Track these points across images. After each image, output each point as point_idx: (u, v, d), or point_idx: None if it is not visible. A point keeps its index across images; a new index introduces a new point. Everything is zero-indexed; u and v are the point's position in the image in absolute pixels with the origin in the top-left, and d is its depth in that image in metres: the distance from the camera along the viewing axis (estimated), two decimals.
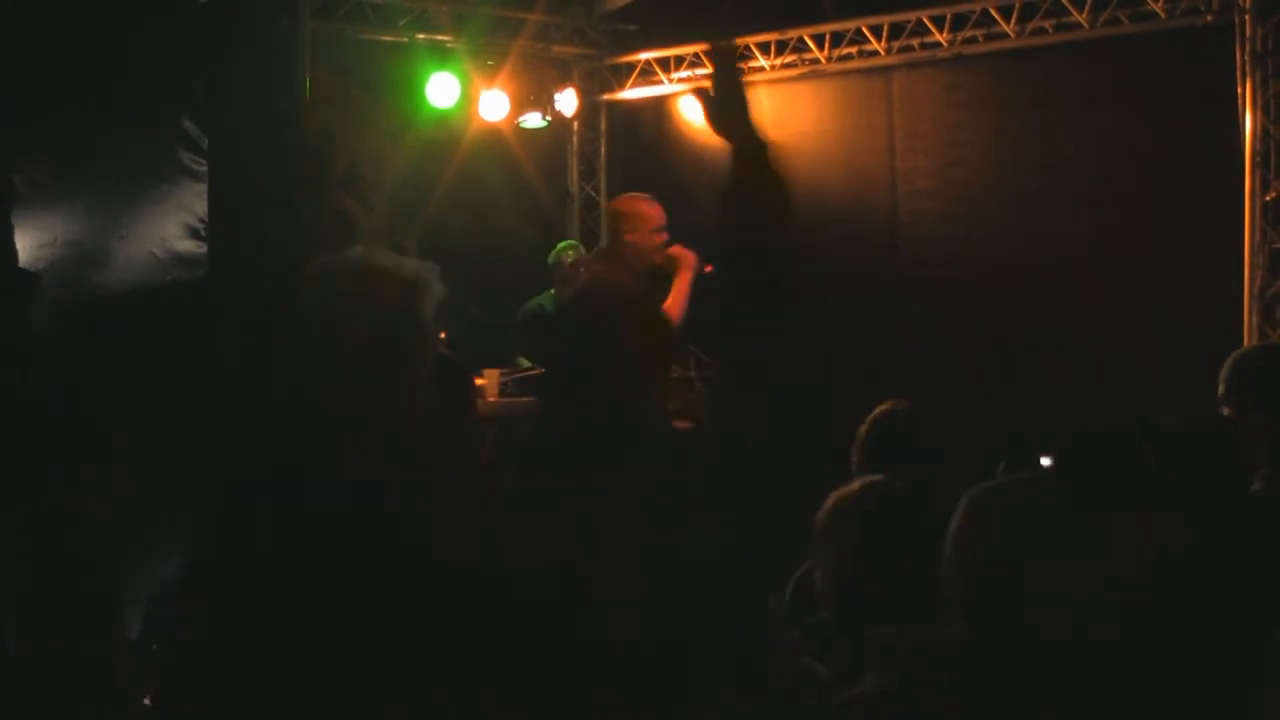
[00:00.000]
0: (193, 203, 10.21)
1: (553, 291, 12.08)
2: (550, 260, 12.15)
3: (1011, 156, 11.62)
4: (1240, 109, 10.28)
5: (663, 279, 9.24)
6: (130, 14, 9.73)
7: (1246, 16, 10.20)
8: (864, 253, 12.39)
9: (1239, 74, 10.28)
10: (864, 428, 5.62)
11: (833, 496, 4.50)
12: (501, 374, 10.89)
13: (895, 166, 12.25)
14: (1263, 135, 10.24)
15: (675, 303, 9.04)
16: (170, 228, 10.15)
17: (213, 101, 10.39)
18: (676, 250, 9.33)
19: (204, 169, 10.36)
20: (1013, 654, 3.29)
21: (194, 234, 10.27)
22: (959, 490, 4.11)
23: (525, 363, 11.40)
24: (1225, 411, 4.95)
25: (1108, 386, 9.93)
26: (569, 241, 12.61)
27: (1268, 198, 10.24)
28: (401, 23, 12.43)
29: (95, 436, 5.66)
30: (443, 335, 10.73)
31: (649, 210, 9.56)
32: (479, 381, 10.79)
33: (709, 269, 8.88)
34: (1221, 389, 5.21)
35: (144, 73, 9.96)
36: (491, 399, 10.76)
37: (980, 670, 3.30)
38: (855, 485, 4.50)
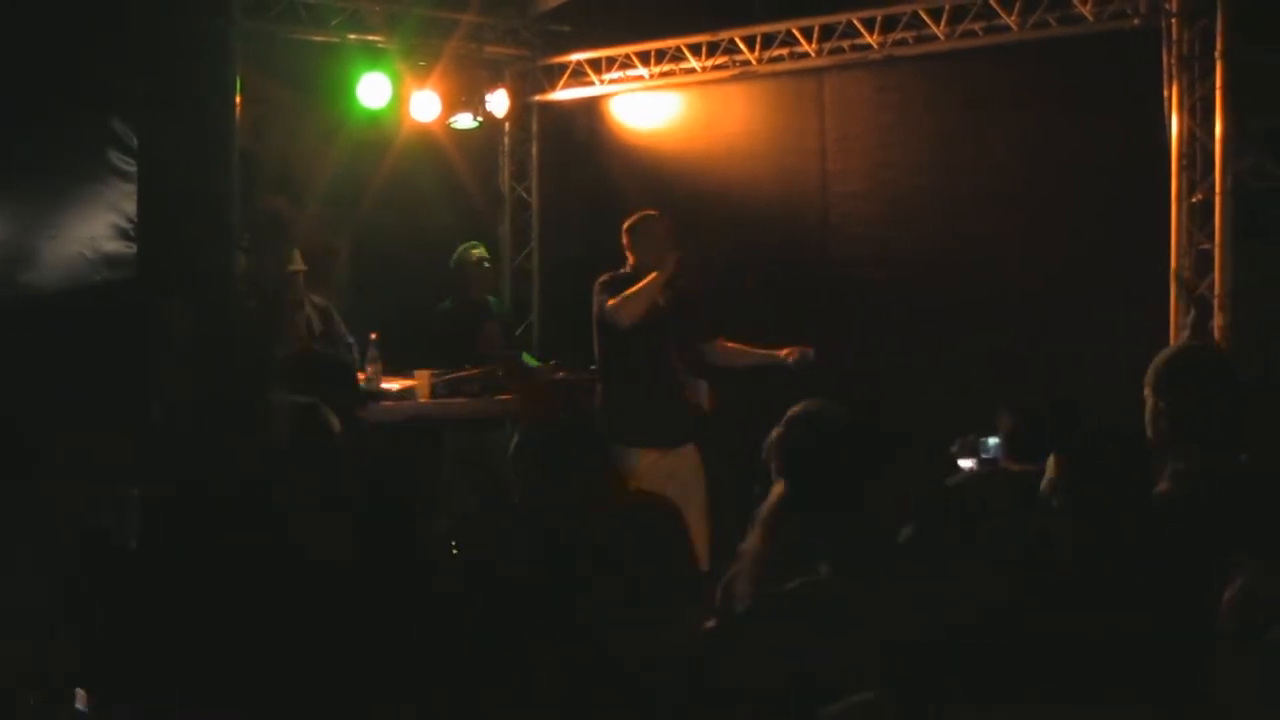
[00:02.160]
0: (122, 203, 10.13)
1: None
2: (452, 263, 12.07)
3: (942, 158, 11.69)
4: (1166, 112, 10.38)
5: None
6: (59, 11, 9.67)
7: (1173, 20, 10.30)
8: (795, 254, 12.44)
9: (1165, 77, 10.38)
10: (779, 430, 5.62)
11: None
12: (433, 375, 10.87)
13: (826, 168, 12.30)
14: (1189, 138, 10.34)
15: (624, 297, 9.63)
16: (99, 228, 10.07)
17: (143, 101, 10.33)
18: (664, 255, 9.82)
19: (133, 169, 10.30)
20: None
21: (123, 235, 10.20)
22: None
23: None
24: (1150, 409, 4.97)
25: (1037, 386, 9.99)
26: (471, 242, 12.56)
27: (1194, 199, 10.33)
28: (333, 23, 12.38)
29: None
30: (373, 336, 10.77)
31: (665, 229, 10.12)
32: (410, 383, 10.77)
33: None
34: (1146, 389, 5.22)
35: (73, 71, 9.90)
36: (423, 400, 10.74)
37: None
38: None
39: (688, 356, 10.10)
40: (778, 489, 4.66)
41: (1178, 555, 4.29)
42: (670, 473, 9.50)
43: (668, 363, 9.90)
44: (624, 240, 9.99)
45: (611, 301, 9.58)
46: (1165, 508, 4.55)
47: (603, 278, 9.85)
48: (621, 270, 9.87)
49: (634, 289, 9.57)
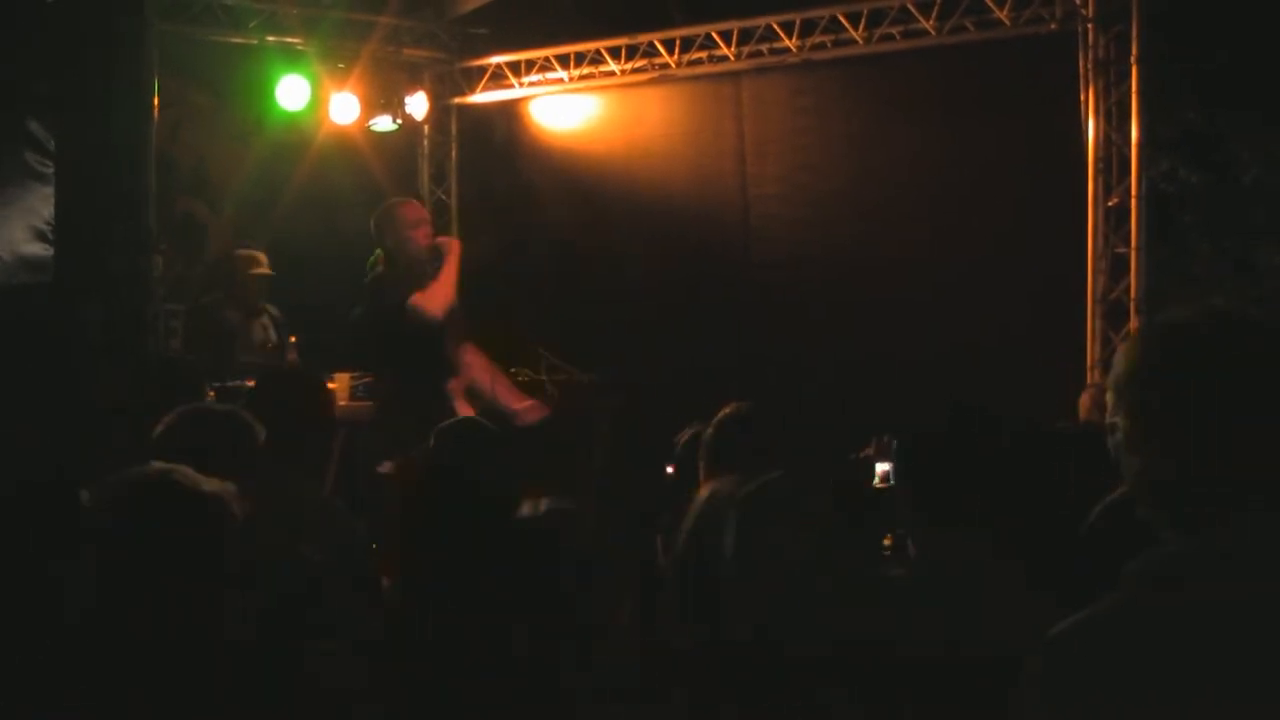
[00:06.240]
0: (39, 206, 10.07)
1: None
2: (369, 267, 12.08)
3: (859, 160, 11.74)
4: (1083, 116, 10.47)
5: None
6: None
7: (1089, 26, 10.41)
8: (715, 255, 12.46)
9: (1082, 82, 10.48)
10: (710, 430, 5.63)
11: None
12: (352, 378, 10.83)
13: (746, 170, 12.33)
14: (1105, 142, 10.44)
15: (435, 293, 8.91)
16: (16, 231, 10.01)
17: (59, 103, 10.26)
18: (441, 240, 9.29)
19: (50, 171, 10.23)
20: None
21: (40, 237, 10.14)
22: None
23: None
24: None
25: (954, 388, 10.04)
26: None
27: (1110, 203, 10.44)
28: (251, 24, 12.31)
29: None
30: (293, 339, 10.73)
31: (402, 212, 9.30)
32: (330, 386, 10.73)
33: None
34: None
35: None
36: (341, 403, 10.70)
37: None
38: None
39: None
40: (707, 489, 4.68)
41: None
42: None
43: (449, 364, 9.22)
44: (374, 231, 9.20)
45: (416, 298, 8.83)
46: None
47: (380, 278, 9.11)
48: (378, 270, 9.15)
49: (439, 281, 8.93)
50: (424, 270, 9.05)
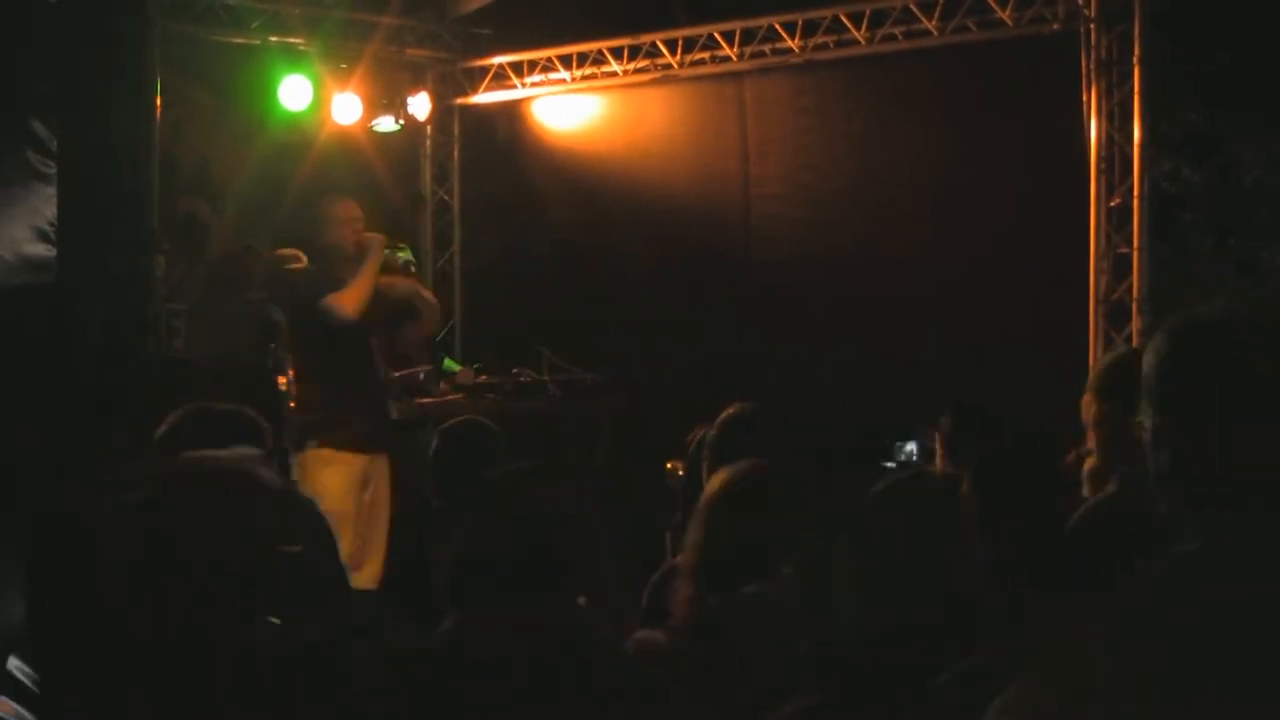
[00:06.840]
0: (42, 206, 10.06)
1: None
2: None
3: (861, 160, 11.73)
4: (1085, 116, 10.46)
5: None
6: None
7: (1091, 26, 10.40)
8: (716, 255, 12.46)
9: (1084, 82, 10.47)
10: (713, 430, 5.62)
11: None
12: None
13: (748, 170, 12.32)
14: (1107, 142, 10.43)
15: (349, 294, 8.79)
16: (19, 231, 10.00)
17: (61, 103, 10.26)
18: (365, 236, 9.12)
19: (53, 171, 10.23)
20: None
21: (43, 237, 10.13)
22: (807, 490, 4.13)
23: None
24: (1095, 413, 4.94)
25: (955, 389, 10.04)
26: (397, 245, 12.55)
27: (1112, 203, 10.43)
28: (254, 24, 12.31)
29: None
30: None
31: (336, 209, 9.28)
32: None
33: None
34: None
35: None
36: None
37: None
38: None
39: (392, 351, 9.75)
40: (715, 482, 4.65)
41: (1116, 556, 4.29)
42: (365, 480, 8.89)
43: (375, 360, 9.32)
44: (305, 225, 9.42)
45: (331, 298, 8.74)
46: (1111, 509, 4.55)
47: (299, 274, 9.37)
48: (293, 267, 9.41)
49: (357, 280, 8.83)
50: (349, 269, 8.94)
